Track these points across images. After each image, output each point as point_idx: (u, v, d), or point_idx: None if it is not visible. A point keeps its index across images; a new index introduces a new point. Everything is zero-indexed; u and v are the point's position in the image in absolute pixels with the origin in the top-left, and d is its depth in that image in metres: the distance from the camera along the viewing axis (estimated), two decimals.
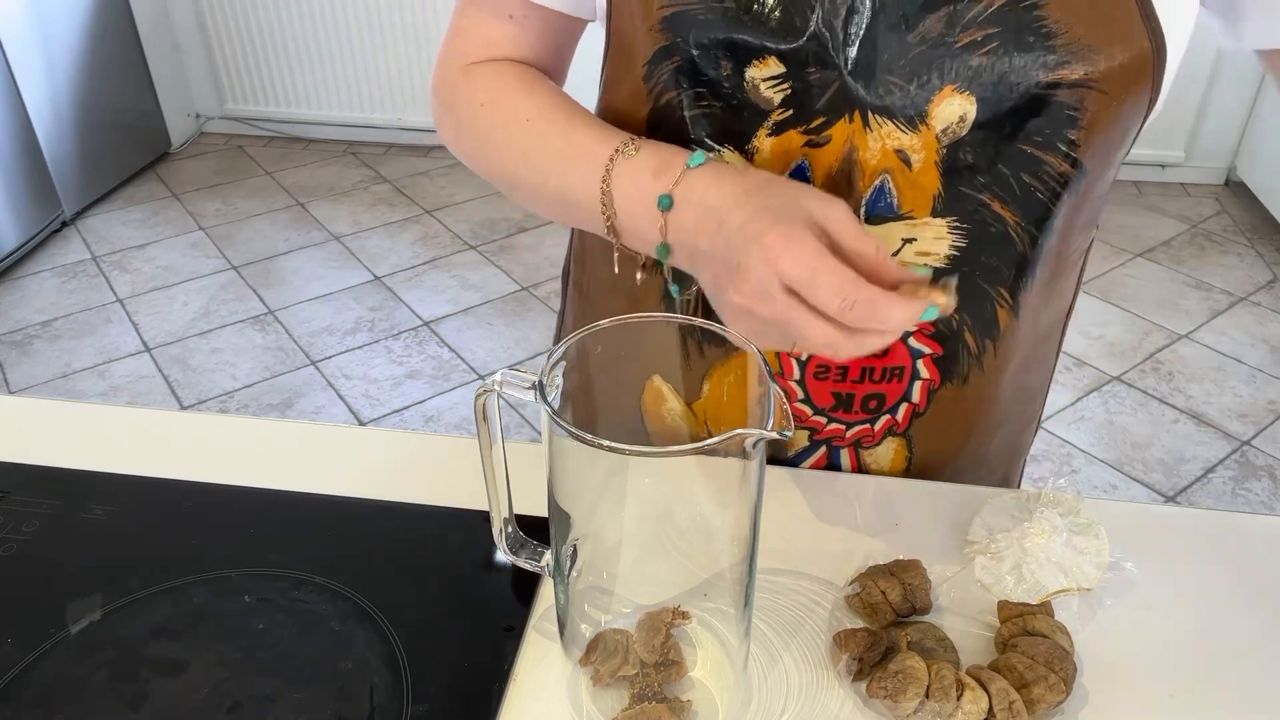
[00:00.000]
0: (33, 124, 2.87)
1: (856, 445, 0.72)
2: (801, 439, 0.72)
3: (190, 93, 3.65)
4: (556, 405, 0.48)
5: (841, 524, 0.66)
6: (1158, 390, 2.35)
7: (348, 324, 2.64)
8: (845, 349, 0.51)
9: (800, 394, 0.69)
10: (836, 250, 0.51)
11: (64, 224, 3.09)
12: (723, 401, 0.68)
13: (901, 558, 0.61)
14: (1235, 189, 3.21)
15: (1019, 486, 0.86)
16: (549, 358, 0.48)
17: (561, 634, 0.56)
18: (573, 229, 0.80)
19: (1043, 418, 0.84)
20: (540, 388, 0.47)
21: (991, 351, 0.68)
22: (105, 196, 3.27)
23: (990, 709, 0.51)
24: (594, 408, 0.55)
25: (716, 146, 0.62)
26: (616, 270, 0.65)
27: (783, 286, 0.50)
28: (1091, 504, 0.66)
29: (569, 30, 0.69)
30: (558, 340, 0.88)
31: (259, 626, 0.59)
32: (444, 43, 0.70)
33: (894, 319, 0.49)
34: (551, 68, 0.70)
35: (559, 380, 0.49)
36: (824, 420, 0.71)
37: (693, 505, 0.50)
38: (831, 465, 0.73)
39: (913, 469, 0.73)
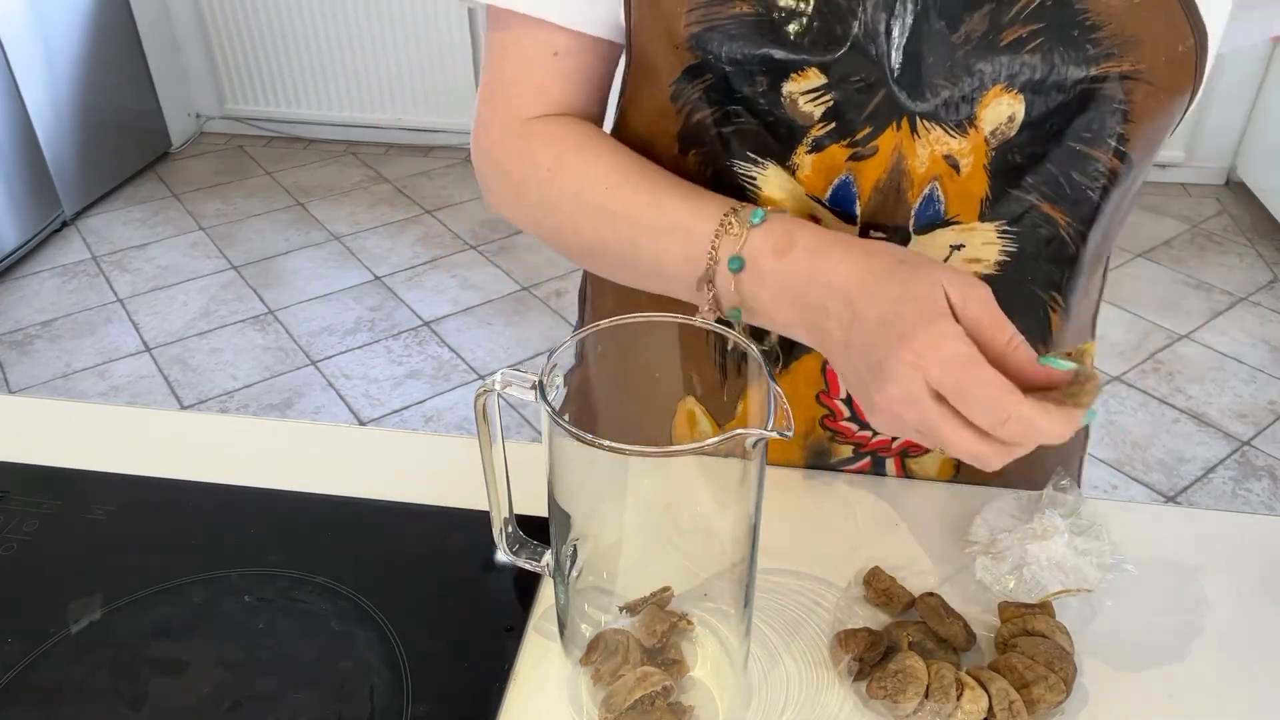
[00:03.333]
0: (33, 124, 2.87)
1: (904, 454, 0.71)
2: (845, 451, 0.71)
3: (190, 93, 3.65)
4: (557, 405, 0.48)
5: (841, 524, 0.66)
6: (1158, 390, 2.35)
7: (348, 324, 2.64)
8: (994, 462, 0.48)
9: (846, 412, 0.68)
10: (970, 333, 0.48)
11: (64, 224, 3.09)
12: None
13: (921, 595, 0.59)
14: (1235, 189, 3.21)
15: (1080, 481, 0.84)
16: (549, 358, 0.48)
17: (561, 634, 0.56)
18: None
19: None
20: (540, 388, 0.47)
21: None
22: (105, 196, 3.27)
23: (990, 709, 0.51)
24: (618, 423, 0.54)
25: (760, 160, 0.60)
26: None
27: (931, 392, 0.48)
28: (1092, 504, 0.66)
29: (611, 57, 0.66)
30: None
31: (259, 626, 0.59)
32: (484, 99, 0.65)
33: (1052, 434, 0.46)
34: (599, 106, 0.67)
35: (559, 380, 0.49)
36: (870, 434, 0.69)
37: (693, 505, 0.50)
38: (875, 471, 0.72)
39: (960, 476, 0.72)
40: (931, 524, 0.66)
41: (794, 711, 0.54)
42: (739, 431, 0.44)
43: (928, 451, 0.71)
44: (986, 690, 0.52)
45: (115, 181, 3.32)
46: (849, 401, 0.67)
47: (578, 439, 0.44)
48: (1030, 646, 0.54)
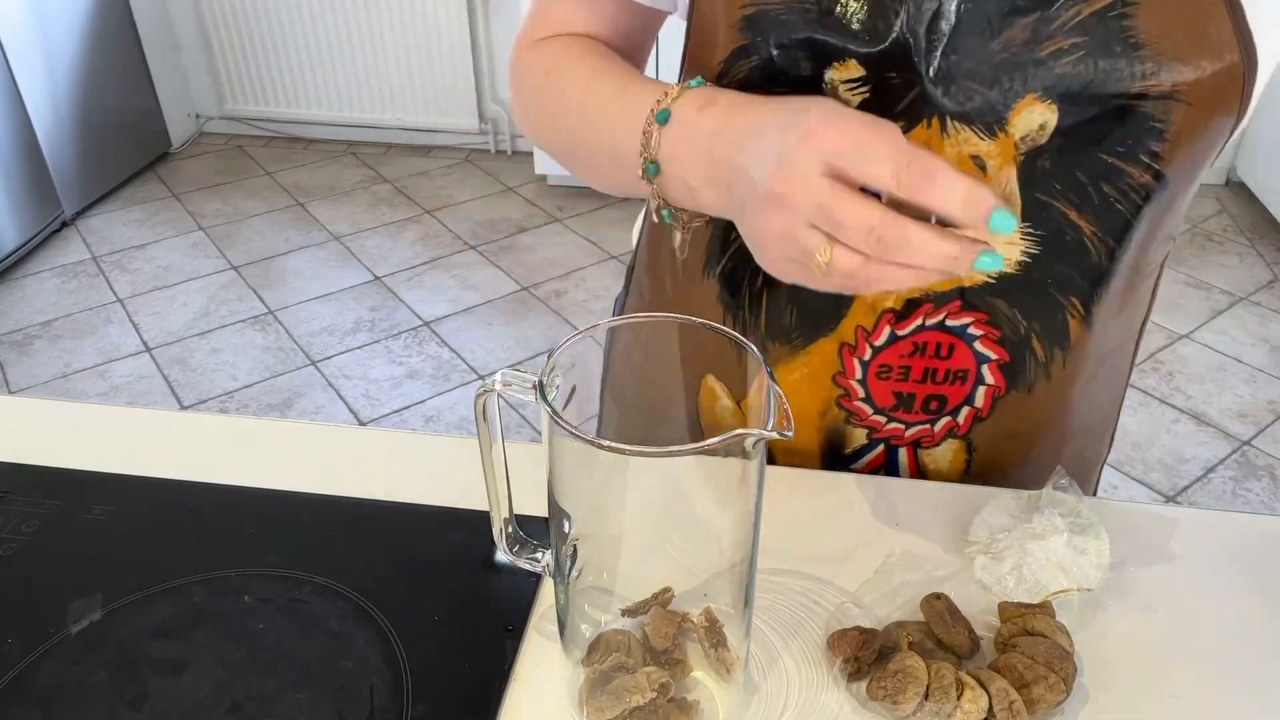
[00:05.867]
0: (33, 124, 2.88)
1: (915, 445, 0.71)
2: (859, 437, 0.71)
3: (190, 93, 3.65)
4: (557, 405, 0.48)
5: (841, 524, 0.66)
6: (1158, 390, 2.35)
7: (348, 324, 2.64)
8: (867, 273, 0.48)
9: (861, 393, 0.68)
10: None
11: (64, 224, 3.09)
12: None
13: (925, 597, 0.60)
14: (1235, 189, 3.21)
15: (1095, 488, 0.84)
16: (549, 358, 0.48)
17: (561, 634, 0.56)
18: (643, 230, 0.79)
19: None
20: (540, 387, 0.47)
21: (1060, 361, 0.67)
22: (105, 196, 3.27)
23: (990, 709, 0.51)
24: (648, 399, 0.55)
25: None
26: (658, 221, 0.62)
27: (825, 168, 0.48)
28: (1092, 504, 0.66)
29: (646, 21, 0.69)
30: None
31: (259, 626, 0.59)
32: (519, 31, 0.71)
33: (929, 244, 0.46)
34: (625, 55, 0.69)
35: (559, 380, 0.49)
36: (883, 419, 0.70)
37: (693, 505, 0.50)
38: (889, 463, 0.73)
39: (972, 472, 0.72)
40: (931, 524, 0.66)
41: (794, 711, 0.54)
42: (739, 431, 0.44)
43: (939, 443, 0.71)
44: (986, 690, 0.52)
45: (115, 181, 3.32)
46: (864, 382, 0.68)
47: (578, 439, 0.44)
48: (1030, 646, 0.54)
